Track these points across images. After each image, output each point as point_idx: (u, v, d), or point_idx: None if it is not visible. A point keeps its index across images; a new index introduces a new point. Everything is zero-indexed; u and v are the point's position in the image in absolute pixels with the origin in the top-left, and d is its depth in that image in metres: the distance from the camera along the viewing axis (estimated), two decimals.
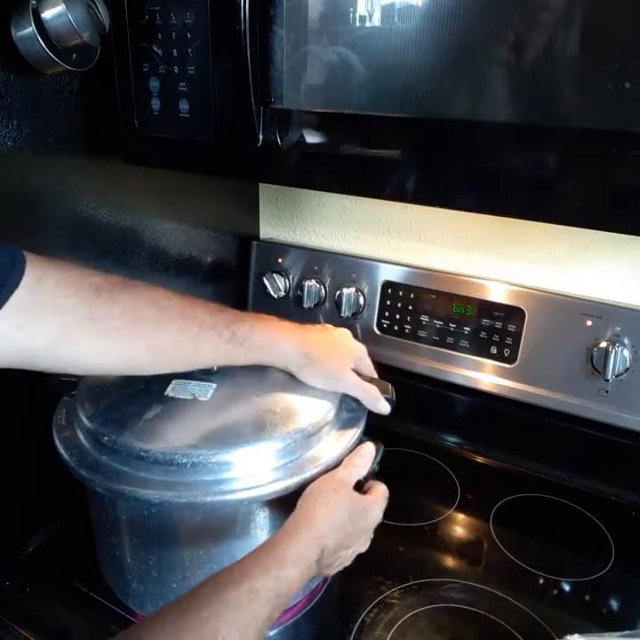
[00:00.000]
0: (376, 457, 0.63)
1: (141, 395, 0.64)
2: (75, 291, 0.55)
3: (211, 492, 0.56)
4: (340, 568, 0.60)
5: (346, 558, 0.59)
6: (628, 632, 0.52)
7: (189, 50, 0.66)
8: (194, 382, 0.65)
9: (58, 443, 0.62)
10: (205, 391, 0.64)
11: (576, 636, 0.52)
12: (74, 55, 0.67)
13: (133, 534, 0.63)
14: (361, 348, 0.70)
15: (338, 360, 0.67)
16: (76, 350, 0.55)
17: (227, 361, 0.63)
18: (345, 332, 0.71)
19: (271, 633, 0.66)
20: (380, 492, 0.61)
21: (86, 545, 0.70)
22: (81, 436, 0.62)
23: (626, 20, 0.49)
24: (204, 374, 0.66)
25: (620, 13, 0.49)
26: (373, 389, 0.67)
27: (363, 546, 0.60)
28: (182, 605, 0.45)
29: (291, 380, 0.67)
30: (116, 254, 0.86)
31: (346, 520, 0.56)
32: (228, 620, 0.45)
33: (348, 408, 0.68)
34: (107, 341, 0.55)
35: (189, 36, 0.65)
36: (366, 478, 0.62)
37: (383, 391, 0.68)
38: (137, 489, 0.56)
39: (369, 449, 0.63)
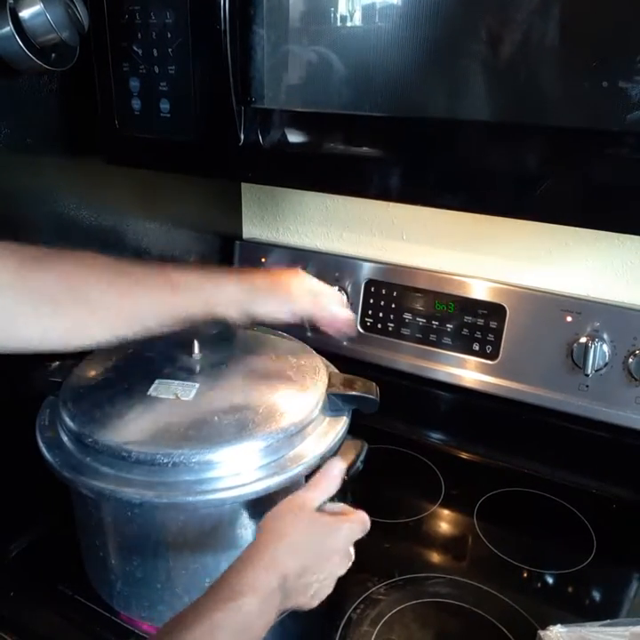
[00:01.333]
0: (360, 455, 0.63)
1: (124, 395, 0.64)
2: (7, 263, 0.53)
3: (192, 492, 0.56)
4: (321, 595, 0.56)
5: (323, 584, 0.55)
6: (608, 621, 0.53)
7: (170, 49, 0.66)
8: (176, 382, 0.65)
9: (41, 443, 0.62)
10: (188, 391, 0.64)
11: (558, 626, 0.53)
12: (53, 55, 0.66)
13: (117, 535, 0.63)
14: (319, 287, 0.67)
15: (287, 286, 0.65)
16: (21, 325, 0.53)
17: (172, 312, 0.59)
18: (300, 272, 0.68)
19: None
20: (353, 514, 0.58)
21: (70, 548, 0.70)
22: (64, 437, 0.62)
23: (603, 19, 0.50)
24: (187, 374, 0.66)
25: (597, 13, 0.50)
26: (325, 297, 0.65)
27: (339, 568, 0.57)
28: None
29: (274, 379, 0.67)
30: None
31: (308, 543, 0.53)
32: None
33: (333, 407, 0.68)
34: (47, 311, 0.54)
35: (169, 35, 0.65)
36: (344, 490, 0.60)
37: (367, 390, 0.68)
38: (119, 489, 0.56)
39: (337, 467, 0.59)
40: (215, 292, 0.61)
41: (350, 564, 0.58)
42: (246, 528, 0.62)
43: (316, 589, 0.55)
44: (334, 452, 0.64)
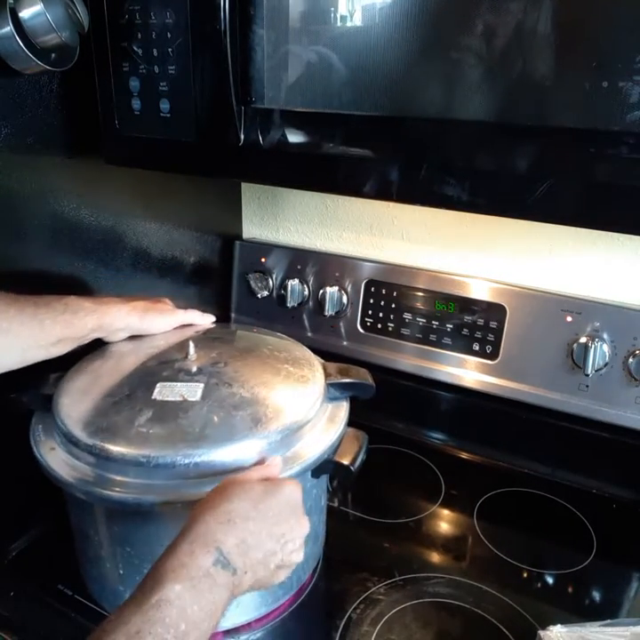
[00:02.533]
0: (363, 446, 0.64)
1: (128, 401, 0.63)
2: None
3: (190, 494, 0.55)
4: (288, 564, 0.52)
5: (284, 553, 0.51)
6: (608, 621, 0.53)
7: (170, 49, 0.66)
8: (180, 384, 0.64)
9: (48, 463, 0.60)
10: (194, 391, 0.64)
11: (558, 626, 0.53)
12: (53, 55, 0.66)
13: (118, 540, 0.62)
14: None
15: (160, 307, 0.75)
16: None
17: (71, 333, 0.65)
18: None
19: (257, 630, 0.66)
20: (287, 477, 0.55)
21: (70, 547, 0.69)
22: (68, 452, 0.60)
23: (603, 21, 0.50)
24: (187, 375, 0.66)
25: (597, 14, 0.50)
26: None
27: (296, 532, 0.52)
28: None
29: (274, 374, 0.68)
30: (98, 255, 0.85)
31: (244, 508, 0.48)
32: None
33: (332, 396, 0.68)
34: None
35: (169, 35, 0.65)
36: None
37: (362, 377, 0.70)
38: (141, 496, 0.56)
39: (276, 459, 0.57)
40: (109, 312, 0.68)
41: (308, 526, 0.54)
42: None
43: (278, 560, 0.50)
44: (338, 443, 0.64)
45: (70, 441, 0.60)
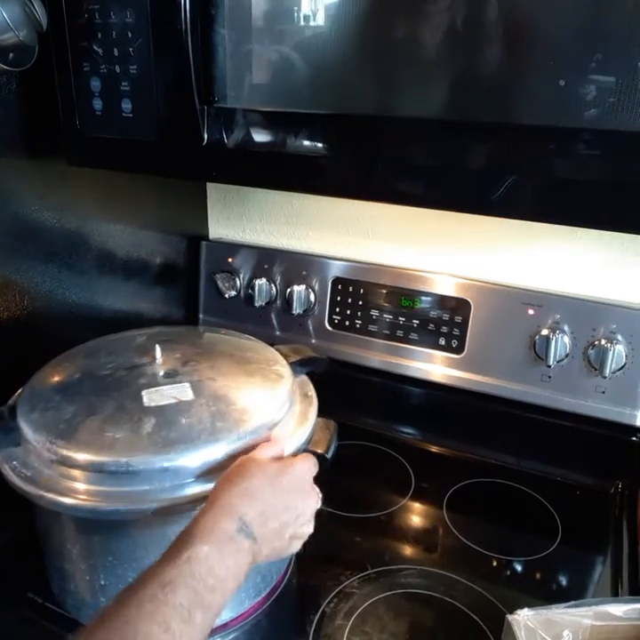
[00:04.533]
0: (334, 433, 0.66)
1: (122, 414, 0.61)
2: None
3: (157, 500, 0.55)
4: (301, 536, 0.57)
5: (297, 524, 0.55)
6: (572, 603, 0.55)
7: (130, 49, 0.66)
8: (166, 387, 0.64)
9: (46, 496, 0.57)
10: (184, 391, 0.63)
11: (525, 610, 0.54)
12: (10, 54, 0.65)
13: (99, 550, 0.61)
14: None
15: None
16: None
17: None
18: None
19: (233, 629, 0.66)
20: (301, 454, 0.60)
21: (39, 554, 0.68)
22: (69, 479, 0.58)
23: (559, 20, 0.51)
24: (164, 378, 0.65)
25: (553, 14, 0.51)
26: None
27: (308, 505, 0.57)
28: (104, 617, 0.43)
29: (247, 368, 0.69)
30: (61, 258, 0.84)
31: (262, 485, 0.53)
32: (146, 619, 0.42)
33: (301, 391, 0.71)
34: None
35: (130, 35, 0.65)
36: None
37: (313, 353, 0.76)
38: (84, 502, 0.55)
39: (274, 435, 0.61)
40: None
41: (320, 499, 0.59)
42: None
43: (292, 532, 0.55)
44: (312, 434, 0.66)
45: (76, 467, 0.57)
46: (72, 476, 0.57)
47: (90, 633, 0.43)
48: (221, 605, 0.47)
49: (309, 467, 0.58)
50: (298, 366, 0.74)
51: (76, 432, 0.59)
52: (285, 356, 0.74)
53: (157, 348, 0.68)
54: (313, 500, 0.58)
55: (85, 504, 0.56)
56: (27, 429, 0.61)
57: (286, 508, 0.54)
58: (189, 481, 0.57)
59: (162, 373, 0.66)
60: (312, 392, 0.72)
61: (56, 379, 0.68)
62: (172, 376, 0.66)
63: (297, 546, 0.57)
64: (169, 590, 0.44)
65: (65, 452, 0.57)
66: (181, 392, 0.63)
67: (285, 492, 0.55)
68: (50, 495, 0.57)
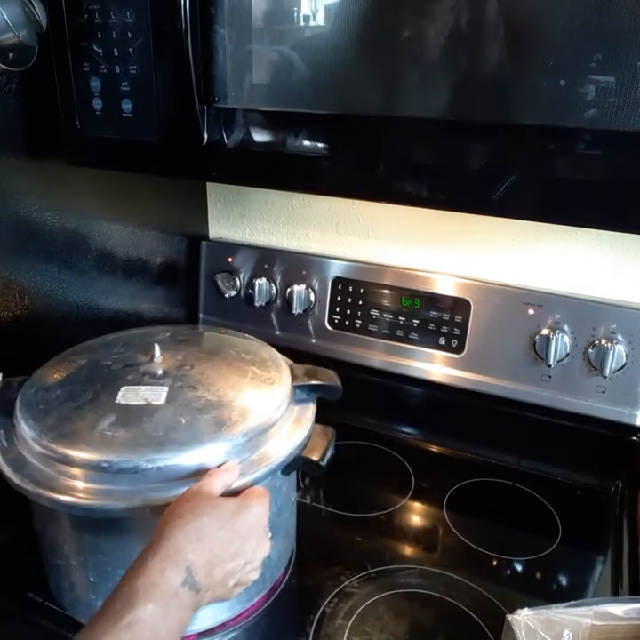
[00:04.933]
0: (331, 441, 0.65)
1: (91, 406, 0.62)
2: None
3: (154, 499, 0.55)
4: (245, 582, 0.53)
5: (244, 571, 0.52)
6: (572, 602, 0.55)
7: (130, 49, 0.66)
8: (144, 387, 0.64)
9: (8, 471, 0.59)
10: (158, 395, 0.63)
11: (525, 609, 0.54)
12: (10, 55, 0.65)
13: (89, 548, 0.61)
14: None
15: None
16: None
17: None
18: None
19: (232, 629, 0.66)
20: (255, 489, 0.55)
21: (38, 554, 0.68)
22: (28, 455, 0.59)
23: (560, 20, 0.51)
24: (152, 378, 0.65)
25: (554, 14, 0.51)
26: None
27: (259, 551, 0.53)
28: None
29: (241, 376, 0.68)
30: (61, 257, 0.84)
31: (212, 528, 0.48)
32: None
33: (299, 397, 0.68)
34: None
35: (130, 35, 0.65)
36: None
37: (330, 379, 0.70)
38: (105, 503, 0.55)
39: (232, 463, 0.57)
40: None
41: (268, 547, 0.55)
42: None
43: (237, 579, 0.51)
44: (307, 441, 0.64)
45: (31, 446, 0.59)
46: (67, 473, 0.57)
47: None
48: None
49: (265, 507, 0.54)
50: (306, 391, 0.69)
51: (47, 416, 0.60)
52: (295, 377, 0.69)
53: (156, 347, 0.68)
54: (265, 545, 0.54)
55: (79, 501, 0.56)
56: (17, 405, 0.63)
57: (236, 555, 0.50)
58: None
59: (152, 373, 0.66)
60: (311, 413, 0.68)
61: (63, 366, 0.69)
62: (157, 377, 0.65)
63: (238, 592, 0.53)
64: None
65: (33, 435, 0.59)
66: (155, 395, 0.63)
67: (238, 535, 0.50)
68: (36, 488, 0.57)
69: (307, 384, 0.69)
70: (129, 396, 0.63)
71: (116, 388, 0.63)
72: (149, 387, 0.64)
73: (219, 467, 0.56)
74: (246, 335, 0.79)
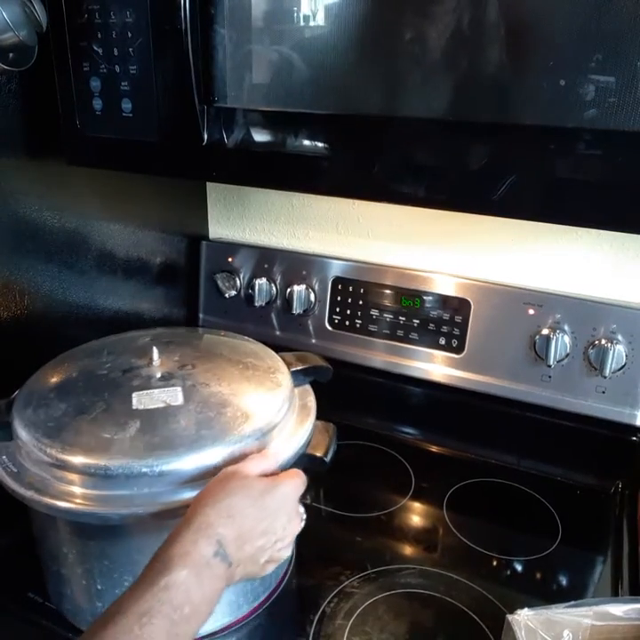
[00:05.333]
0: (333, 436, 0.65)
1: (109, 416, 0.61)
2: None
3: (159, 503, 0.55)
4: (276, 560, 0.55)
5: (275, 549, 0.54)
6: (572, 603, 0.55)
7: (130, 49, 0.66)
8: (157, 390, 0.63)
9: (35, 497, 0.57)
10: (174, 396, 0.63)
11: (525, 609, 0.54)
12: (10, 54, 0.65)
13: (95, 555, 0.61)
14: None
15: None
16: None
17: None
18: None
19: (233, 630, 0.66)
20: (290, 471, 0.57)
21: (37, 555, 0.68)
22: (50, 476, 0.57)
23: (560, 20, 0.51)
24: (158, 381, 0.65)
25: (554, 14, 0.51)
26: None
27: (289, 529, 0.55)
28: None
29: (243, 370, 0.68)
30: (61, 257, 0.84)
31: (243, 505, 0.51)
32: None
33: (296, 382, 0.70)
34: None
35: (130, 35, 0.65)
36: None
37: (318, 362, 0.73)
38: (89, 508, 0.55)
39: (269, 451, 0.59)
40: None
41: (303, 521, 0.57)
42: None
43: (268, 556, 0.53)
44: (310, 438, 0.65)
45: (59, 467, 0.57)
46: (62, 478, 0.57)
47: None
48: (194, 633, 0.46)
49: (297, 486, 0.55)
50: (301, 375, 0.72)
51: (63, 431, 0.59)
52: (288, 364, 0.72)
53: (154, 350, 0.68)
54: (296, 523, 0.56)
55: (77, 507, 0.55)
56: (18, 426, 0.61)
57: (265, 532, 0.52)
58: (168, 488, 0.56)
59: (156, 376, 0.66)
60: (312, 402, 0.70)
61: (53, 378, 0.68)
62: (165, 379, 0.65)
63: (271, 569, 0.55)
64: (146, 622, 0.43)
65: (50, 451, 0.58)
66: (171, 396, 0.62)
67: (267, 513, 0.52)
68: (35, 494, 0.56)
69: (301, 368, 0.72)
70: (144, 400, 0.62)
71: (125, 395, 0.63)
72: (162, 389, 0.64)
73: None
74: (246, 338, 0.79)
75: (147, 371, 0.67)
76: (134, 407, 0.61)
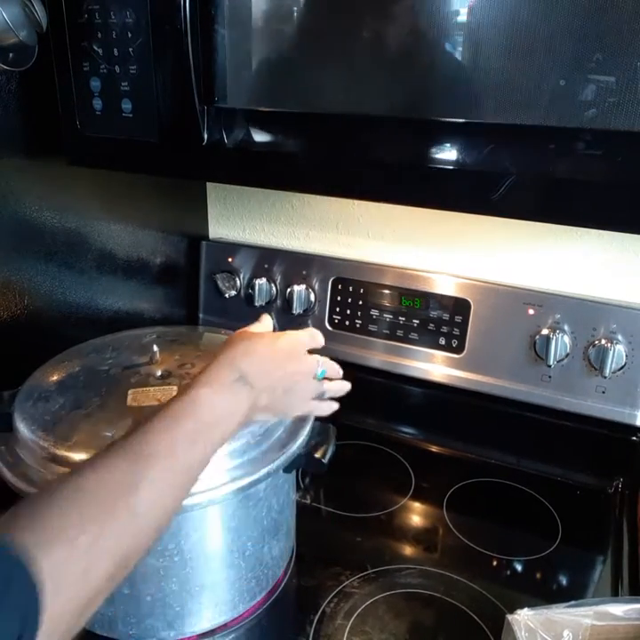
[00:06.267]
0: (331, 439, 0.65)
1: (102, 412, 0.61)
2: None
3: None
4: (300, 404, 0.62)
5: (291, 380, 0.60)
6: (572, 602, 0.55)
7: (130, 49, 0.66)
8: (153, 388, 0.63)
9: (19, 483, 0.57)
10: (169, 393, 0.62)
11: (525, 609, 0.54)
12: (10, 54, 0.65)
13: None
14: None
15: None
16: None
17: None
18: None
19: (233, 629, 0.67)
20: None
21: None
22: (39, 467, 0.58)
23: (560, 20, 0.51)
24: (156, 380, 0.65)
25: (554, 14, 0.51)
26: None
27: (304, 365, 0.62)
28: (114, 444, 0.47)
29: None
30: (61, 257, 0.84)
31: (258, 346, 0.58)
32: (154, 439, 0.48)
33: None
34: None
35: (130, 35, 0.65)
36: None
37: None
38: None
39: (266, 317, 0.67)
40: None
41: (311, 363, 0.62)
42: (229, 527, 0.62)
43: (287, 387, 0.60)
44: (308, 438, 0.65)
45: (50, 460, 0.57)
46: (53, 470, 0.57)
47: (110, 443, 0.48)
48: (221, 441, 0.52)
49: (304, 336, 0.63)
50: None
51: (57, 426, 0.60)
52: None
53: (155, 348, 0.68)
54: (305, 362, 0.62)
55: None
56: (17, 418, 0.62)
57: (281, 367, 0.59)
58: None
59: (155, 374, 0.66)
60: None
61: (56, 372, 0.69)
62: (162, 378, 0.65)
63: (298, 407, 0.63)
64: (173, 420, 0.49)
65: (43, 444, 0.58)
66: (166, 395, 0.62)
67: (282, 354, 0.60)
68: (29, 486, 0.56)
69: None
70: (139, 398, 0.62)
71: (122, 392, 0.63)
72: (158, 387, 0.64)
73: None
74: (223, 330, 0.79)
75: (146, 369, 0.67)
76: (128, 404, 0.61)
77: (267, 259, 1.03)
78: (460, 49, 0.55)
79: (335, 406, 0.66)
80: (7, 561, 0.38)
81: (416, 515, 0.86)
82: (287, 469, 0.64)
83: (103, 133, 0.71)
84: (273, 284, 1.03)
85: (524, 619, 0.54)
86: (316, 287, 1.00)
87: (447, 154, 0.59)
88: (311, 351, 0.64)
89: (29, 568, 0.38)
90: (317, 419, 0.67)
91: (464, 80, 0.56)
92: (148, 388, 0.64)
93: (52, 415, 0.61)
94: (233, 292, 1.06)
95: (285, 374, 0.60)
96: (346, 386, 0.67)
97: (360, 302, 0.98)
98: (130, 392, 0.63)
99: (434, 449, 0.98)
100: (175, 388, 0.64)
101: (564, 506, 0.85)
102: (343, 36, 0.59)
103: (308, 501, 0.86)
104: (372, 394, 1.00)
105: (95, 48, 0.67)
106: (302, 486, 0.88)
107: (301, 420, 0.66)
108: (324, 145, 0.64)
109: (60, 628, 0.40)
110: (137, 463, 0.46)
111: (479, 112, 0.56)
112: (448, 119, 0.58)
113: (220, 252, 1.08)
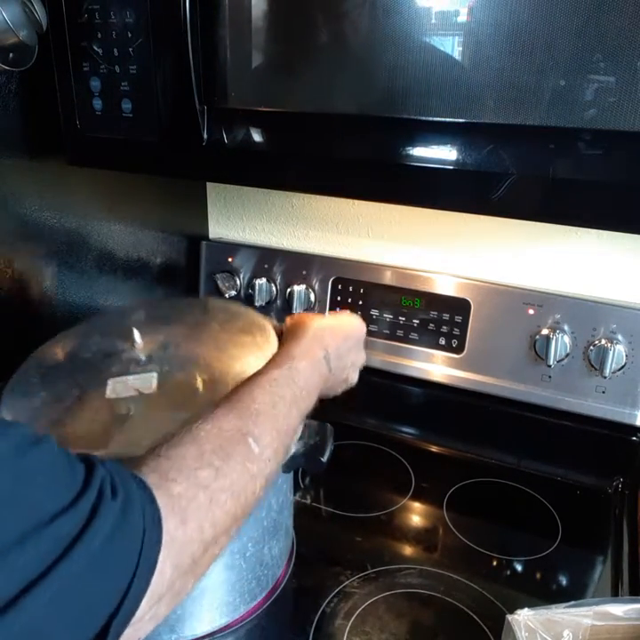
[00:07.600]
0: (329, 438, 0.65)
1: (82, 404, 0.59)
2: None
3: None
4: (351, 380, 0.68)
5: (351, 368, 0.67)
6: (573, 603, 0.55)
7: (130, 49, 0.66)
8: (131, 377, 0.60)
9: None
10: (148, 382, 0.60)
11: (525, 610, 0.54)
12: (10, 55, 0.65)
13: None
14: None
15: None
16: None
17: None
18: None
19: (233, 629, 0.67)
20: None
21: None
22: None
23: (560, 20, 0.51)
24: (138, 365, 0.63)
25: (555, 14, 0.51)
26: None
27: (362, 357, 0.69)
28: (221, 402, 0.51)
29: (229, 347, 0.66)
30: (61, 257, 0.84)
31: (336, 326, 0.65)
32: (258, 397, 0.52)
33: None
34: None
35: (130, 35, 0.65)
36: None
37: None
38: None
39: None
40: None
41: (364, 358, 0.69)
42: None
43: (347, 373, 0.66)
44: (306, 438, 0.64)
45: None
46: None
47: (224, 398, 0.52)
48: (306, 412, 0.57)
49: (363, 326, 0.70)
50: None
51: (36, 422, 0.57)
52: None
53: (135, 331, 0.65)
54: (362, 356, 0.69)
55: None
56: (3, 410, 0.60)
57: (350, 354, 0.66)
58: None
59: (136, 360, 0.63)
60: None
61: (43, 361, 0.66)
62: (143, 364, 0.63)
63: (347, 385, 0.68)
64: (275, 384, 0.54)
65: None
66: (145, 384, 0.59)
67: (352, 343, 0.66)
68: None
69: None
70: (118, 388, 0.59)
71: (102, 382, 0.60)
72: (137, 375, 0.61)
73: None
74: (222, 299, 0.77)
75: (128, 354, 0.64)
76: (108, 396, 0.59)
77: (267, 259, 1.03)
78: (461, 49, 0.55)
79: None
80: (131, 483, 0.39)
81: (416, 515, 0.86)
82: (286, 469, 0.64)
83: (103, 133, 0.71)
84: (273, 284, 1.03)
85: (524, 619, 0.54)
86: (316, 287, 1.00)
87: (447, 154, 0.59)
88: None
89: (153, 493, 0.39)
90: (315, 418, 0.67)
91: (464, 80, 0.56)
92: (126, 377, 0.61)
93: (34, 411, 0.59)
94: (233, 292, 1.06)
95: (350, 362, 0.66)
96: None
97: (360, 302, 0.98)
98: (109, 382, 0.60)
99: (434, 449, 0.98)
100: (155, 374, 0.61)
101: (564, 506, 0.85)
102: (343, 36, 0.59)
103: (308, 501, 0.86)
104: (372, 394, 1.00)
105: (95, 48, 0.67)
106: (302, 486, 0.88)
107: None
108: (324, 145, 0.64)
109: (185, 560, 0.40)
110: (246, 417, 0.50)
111: (479, 112, 0.57)
112: (448, 119, 0.58)
113: (219, 252, 1.08)
